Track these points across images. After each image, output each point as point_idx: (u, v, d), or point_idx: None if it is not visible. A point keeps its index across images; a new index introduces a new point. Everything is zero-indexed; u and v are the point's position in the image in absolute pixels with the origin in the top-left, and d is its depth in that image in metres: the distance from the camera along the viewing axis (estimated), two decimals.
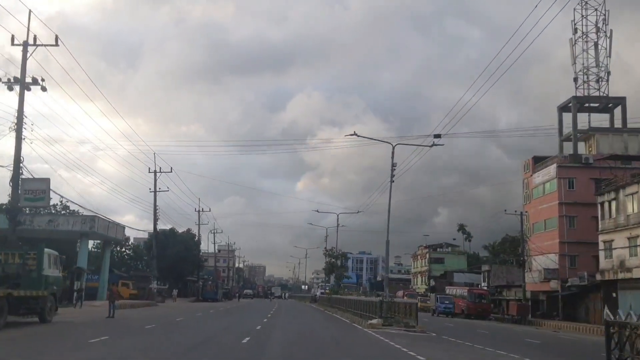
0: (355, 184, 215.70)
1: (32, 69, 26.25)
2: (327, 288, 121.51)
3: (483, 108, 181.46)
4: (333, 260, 47.60)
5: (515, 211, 54.50)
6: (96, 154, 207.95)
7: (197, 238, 75.60)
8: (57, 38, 26.04)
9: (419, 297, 65.99)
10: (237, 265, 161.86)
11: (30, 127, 25.91)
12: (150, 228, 54.54)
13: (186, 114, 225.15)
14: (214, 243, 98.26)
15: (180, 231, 74.69)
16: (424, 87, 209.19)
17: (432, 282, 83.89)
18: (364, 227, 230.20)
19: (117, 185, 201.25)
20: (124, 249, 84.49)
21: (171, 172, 53.37)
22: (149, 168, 53.07)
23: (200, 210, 76.98)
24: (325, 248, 49.06)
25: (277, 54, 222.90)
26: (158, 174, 53.69)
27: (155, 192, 53.81)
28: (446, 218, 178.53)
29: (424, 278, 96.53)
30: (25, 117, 25.55)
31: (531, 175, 55.69)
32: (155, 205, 53.58)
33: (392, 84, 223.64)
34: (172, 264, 67.88)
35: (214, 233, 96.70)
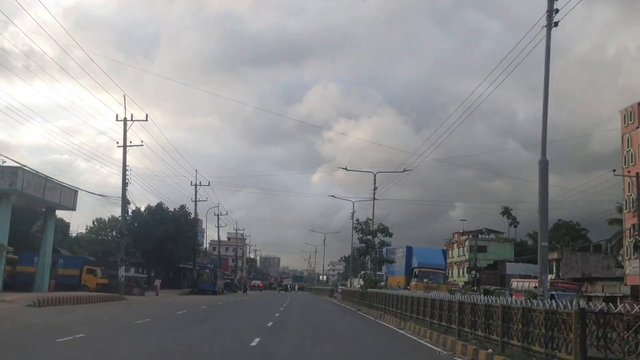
0: (371, 177, 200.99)
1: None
2: (346, 283, 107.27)
3: (500, 102, 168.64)
4: (368, 237, 32.65)
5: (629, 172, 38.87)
6: (113, 144, 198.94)
7: (192, 216, 60.85)
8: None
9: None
10: (247, 255, 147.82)
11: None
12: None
13: (202, 106, 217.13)
14: (218, 227, 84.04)
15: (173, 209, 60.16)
16: (441, 80, 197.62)
17: (475, 274, 68.44)
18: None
19: (134, 175, 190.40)
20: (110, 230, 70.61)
21: (146, 120, 38.91)
22: (117, 115, 39.15)
23: (198, 184, 62.60)
24: (357, 221, 33.90)
25: (294, 46, 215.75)
26: (129, 123, 39.28)
27: (125, 146, 39.29)
28: (462, 212, 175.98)
29: (461, 269, 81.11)
30: None
31: (637, 128, 39.99)
32: (124, 163, 39.01)
33: (409, 77, 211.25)
34: (158, 246, 53.39)
35: (217, 216, 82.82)
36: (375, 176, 35.94)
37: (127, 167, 39.01)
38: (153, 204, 57.23)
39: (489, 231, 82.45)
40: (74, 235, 73.40)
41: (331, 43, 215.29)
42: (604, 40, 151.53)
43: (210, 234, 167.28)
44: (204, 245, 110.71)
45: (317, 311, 31.07)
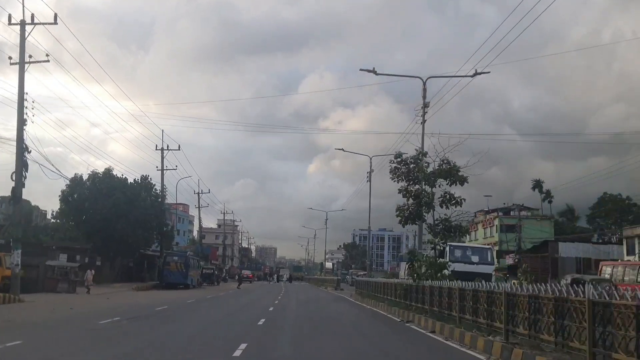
0: (367, 166, 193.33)
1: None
2: (354, 272, 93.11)
3: (495, 89, 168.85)
4: (418, 189, 17.92)
5: None
6: (107, 136, 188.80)
7: (155, 189, 46.25)
8: (56, 16, 24.44)
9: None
10: (239, 243, 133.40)
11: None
12: None
13: (197, 96, 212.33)
14: (199, 207, 69.71)
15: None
16: (438, 68, 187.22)
17: (517, 259, 54.13)
18: (379, 209, 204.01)
19: (129, 168, 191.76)
20: None
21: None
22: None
23: (165, 148, 48.10)
24: (399, 157, 19.21)
25: (290, 34, 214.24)
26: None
27: (21, 63, 24.67)
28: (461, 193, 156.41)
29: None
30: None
31: None
32: (21, 86, 24.36)
33: (406, 65, 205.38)
34: (105, 226, 38.98)
35: (198, 194, 68.57)
36: (371, 160, 32.19)
37: (25, 96, 24.35)
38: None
39: (521, 207, 68.04)
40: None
41: (327, 31, 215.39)
42: (599, 25, 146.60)
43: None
44: (178, 228, 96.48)
45: (331, 325, 16.23)
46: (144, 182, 45.80)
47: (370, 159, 33.29)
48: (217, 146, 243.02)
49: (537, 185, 70.65)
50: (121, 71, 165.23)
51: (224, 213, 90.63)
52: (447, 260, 20.16)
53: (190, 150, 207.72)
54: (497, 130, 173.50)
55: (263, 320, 16.54)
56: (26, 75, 24.29)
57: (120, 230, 39.39)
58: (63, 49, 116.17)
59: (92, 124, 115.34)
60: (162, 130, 48.26)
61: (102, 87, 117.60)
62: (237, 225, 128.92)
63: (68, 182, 39.66)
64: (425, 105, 21.85)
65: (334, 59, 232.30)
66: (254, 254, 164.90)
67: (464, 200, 19.23)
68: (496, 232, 65.47)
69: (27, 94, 24.40)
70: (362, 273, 71.52)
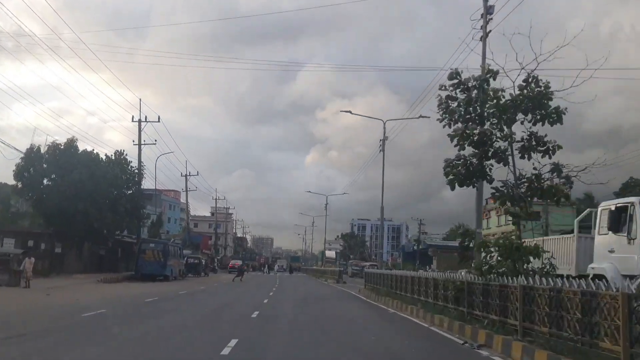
0: (365, 156, 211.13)
1: None
2: (352, 263, 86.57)
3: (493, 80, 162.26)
4: (483, 130, 12.17)
5: None
6: (104, 125, 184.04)
7: (131, 166, 39.68)
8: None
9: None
10: (234, 232, 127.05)
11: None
12: None
13: (195, 86, 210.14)
14: (186, 190, 63.25)
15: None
16: (437, 58, 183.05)
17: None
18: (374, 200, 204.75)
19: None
20: None
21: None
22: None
23: (143, 119, 41.56)
24: (454, 75, 13.91)
25: (288, 24, 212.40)
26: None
27: None
28: (455, 192, 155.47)
29: None
30: None
31: None
32: None
33: (404, 55, 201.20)
34: (67, 207, 32.42)
35: (186, 177, 62.15)
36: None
37: None
38: None
39: None
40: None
41: (326, 21, 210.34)
42: (598, 18, 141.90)
43: (192, 210, 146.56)
44: (169, 216, 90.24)
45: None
46: (118, 159, 39.25)
47: (384, 123, 27.40)
48: (215, 136, 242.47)
49: (556, 169, 64.03)
50: (118, 60, 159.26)
51: (215, 199, 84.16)
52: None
53: (187, 140, 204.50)
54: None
55: (231, 346, 9.65)
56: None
57: (84, 213, 32.87)
58: (59, 38, 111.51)
59: (88, 112, 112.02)
60: (140, 99, 41.74)
61: (99, 75, 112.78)
62: (231, 214, 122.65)
63: (23, 155, 33.12)
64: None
65: (332, 49, 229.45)
66: (249, 244, 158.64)
67: (560, 147, 12.97)
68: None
69: None
70: (368, 264, 65.14)
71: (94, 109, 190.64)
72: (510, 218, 52.69)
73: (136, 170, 40.23)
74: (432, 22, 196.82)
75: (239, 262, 71.48)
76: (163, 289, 26.45)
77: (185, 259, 48.11)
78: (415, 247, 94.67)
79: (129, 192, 39.74)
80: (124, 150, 39.87)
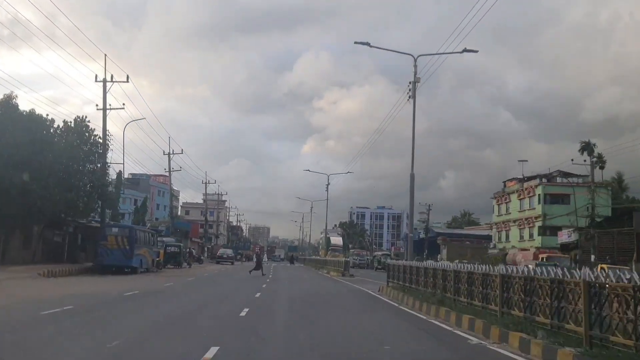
0: (362, 146, 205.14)
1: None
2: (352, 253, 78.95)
3: (491, 71, 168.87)
4: None
5: None
6: (99, 115, 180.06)
7: (95, 134, 32.10)
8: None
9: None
10: (227, 219, 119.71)
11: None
12: None
13: (192, 75, 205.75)
14: (169, 170, 55.84)
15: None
16: (434, 47, 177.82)
17: (593, 235, 40.66)
18: (372, 190, 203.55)
19: (120, 148, 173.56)
20: None
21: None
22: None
23: (108, 79, 34.08)
24: None
25: (285, 12, 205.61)
26: None
27: None
28: (452, 181, 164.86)
29: (530, 229, 53.58)
30: None
31: None
32: None
33: (401, 44, 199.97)
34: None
35: (169, 155, 54.91)
36: (416, 60, 21.77)
37: None
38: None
39: (564, 174, 54.38)
40: None
41: (323, 9, 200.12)
42: (597, 7, 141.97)
43: (185, 196, 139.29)
44: (158, 202, 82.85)
45: None
46: (78, 125, 31.74)
47: (415, 59, 20.23)
48: (211, 126, 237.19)
49: (587, 147, 56.85)
50: (114, 49, 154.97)
51: (205, 183, 76.72)
52: None
53: (184, 130, 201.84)
54: (492, 112, 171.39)
55: None
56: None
57: (22, 188, 25.42)
58: (55, 27, 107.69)
59: (84, 101, 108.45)
60: (105, 55, 34.06)
61: (96, 64, 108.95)
62: (224, 200, 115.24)
63: None
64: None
65: (329, 38, 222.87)
66: (245, 233, 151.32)
67: None
68: (538, 203, 51.92)
69: None
70: (380, 254, 58.17)
71: (90, 97, 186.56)
72: (535, 202, 44.47)
73: (99, 140, 32.76)
74: (429, 11, 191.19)
75: (229, 251, 64.38)
76: (106, 288, 19.07)
77: (165, 247, 40.86)
78: (421, 235, 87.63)
79: (93, 167, 32.37)
80: (85, 117, 32.33)
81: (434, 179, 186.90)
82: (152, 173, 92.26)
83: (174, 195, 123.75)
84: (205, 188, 76.75)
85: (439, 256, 71.17)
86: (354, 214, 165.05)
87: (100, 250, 29.11)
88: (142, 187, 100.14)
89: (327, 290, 22.26)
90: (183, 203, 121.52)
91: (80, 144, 31.48)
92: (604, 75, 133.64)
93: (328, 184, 58.77)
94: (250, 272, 33.10)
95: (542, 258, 34.86)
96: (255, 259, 41.91)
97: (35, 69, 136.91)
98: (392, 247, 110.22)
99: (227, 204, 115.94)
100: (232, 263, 57.75)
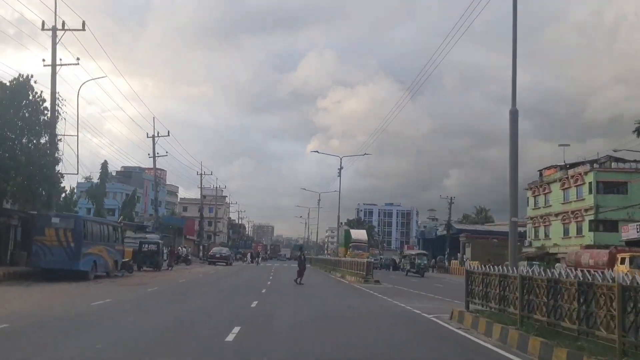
0: (366, 145, 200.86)
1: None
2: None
3: (495, 69, 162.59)
4: None
5: None
6: (103, 114, 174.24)
7: (40, 97, 23.89)
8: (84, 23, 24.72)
9: None
10: (228, 216, 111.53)
11: None
12: None
13: (196, 74, 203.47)
14: (154, 157, 47.57)
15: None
16: (439, 47, 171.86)
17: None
18: (378, 189, 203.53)
19: (125, 147, 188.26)
20: None
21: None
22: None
23: (60, 28, 25.78)
24: None
25: (290, 12, 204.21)
26: None
27: None
28: (456, 180, 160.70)
29: (577, 224, 45.12)
30: None
31: None
32: None
33: (406, 44, 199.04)
34: None
35: (153, 137, 46.86)
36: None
37: None
38: None
39: (615, 159, 45.80)
40: None
41: (328, 9, 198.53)
42: (601, 6, 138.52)
43: (183, 191, 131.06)
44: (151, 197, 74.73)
45: None
46: (21, 85, 23.65)
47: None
48: (216, 125, 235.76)
49: None
50: (119, 48, 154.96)
51: (201, 174, 68.46)
52: None
53: (188, 129, 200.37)
54: (497, 111, 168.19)
55: None
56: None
57: None
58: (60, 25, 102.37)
59: (87, 102, 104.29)
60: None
61: (97, 64, 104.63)
62: (224, 196, 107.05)
63: None
64: None
65: (334, 37, 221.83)
66: (248, 232, 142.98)
67: None
68: (589, 193, 43.44)
69: None
70: (414, 253, 49.83)
71: (93, 98, 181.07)
72: (584, 192, 35.13)
73: (45, 106, 24.58)
74: (435, 9, 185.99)
75: (225, 250, 55.96)
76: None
77: (140, 245, 32.63)
78: (438, 233, 79.26)
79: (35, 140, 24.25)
80: (31, 75, 24.19)
81: (437, 178, 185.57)
82: (146, 167, 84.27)
83: (170, 192, 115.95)
84: (201, 180, 68.47)
85: (464, 256, 63.13)
86: (361, 210, 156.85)
87: (35, 248, 20.99)
88: (136, 182, 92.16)
89: (356, 311, 13.96)
90: (181, 199, 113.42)
91: (21, 109, 23.49)
92: (609, 74, 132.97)
93: (341, 168, 51.79)
94: (296, 280, 24.23)
95: (624, 259, 26.57)
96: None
97: (37, 68, 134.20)
98: (406, 246, 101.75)
99: (227, 200, 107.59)
100: (228, 263, 49.43)
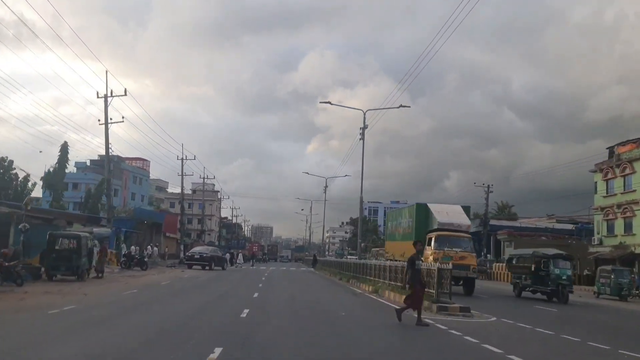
0: (366, 146, 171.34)
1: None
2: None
3: (496, 69, 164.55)
4: None
5: None
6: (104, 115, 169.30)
7: None
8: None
9: None
10: (219, 212, 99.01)
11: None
12: None
13: (196, 74, 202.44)
14: (106, 127, 34.85)
15: None
16: (439, 47, 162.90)
17: None
18: (377, 188, 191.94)
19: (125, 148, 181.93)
20: None
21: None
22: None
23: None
24: None
25: (290, 12, 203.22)
26: None
27: None
28: (456, 181, 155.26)
29: None
30: None
31: None
32: None
33: (407, 44, 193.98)
34: None
35: (105, 97, 34.22)
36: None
37: None
38: None
39: None
40: None
41: (328, 9, 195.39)
42: (602, 6, 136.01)
43: (170, 187, 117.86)
44: (133, 191, 62.47)
45: None
46: None
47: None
48: (215, 125, 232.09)
49: None
50: (119, 48, 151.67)
51: (182, 159, 55.83)
52: None
53: (188, 129, 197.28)
54: (497, 112, 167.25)
55: None
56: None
57: None
58: (61, 25, 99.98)
59: (88, 101, 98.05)
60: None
61: (100, 64, 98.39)
62: (216, 191, 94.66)
63: None
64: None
65: (334, 37, 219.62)
66: (245, 232, 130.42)
67: None
68: None
69: None
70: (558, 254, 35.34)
71: (94, 98, 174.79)
72: None
73: None
74: (435, 9, 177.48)
75: (206, 251, 43.12)
76: None
77: (48, 238, 20.27)
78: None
79: None
80: None
81: (438, 179, 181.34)
82: (126, 156, 71.97)
83: (162, 189, 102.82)
84: (182, 165, 55.75)
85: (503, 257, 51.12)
86: (366, 208, 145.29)
87: None
88: (113, 173, 79.91)
89: None
90: (169, 194, 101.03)
91: None
92: (609, 75, 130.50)
93: (326, 187, 51.19)
94: None
95: None
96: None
97: (39, 69, 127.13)
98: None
99: (220, 195, 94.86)
100: (208, 267, 36.87)
